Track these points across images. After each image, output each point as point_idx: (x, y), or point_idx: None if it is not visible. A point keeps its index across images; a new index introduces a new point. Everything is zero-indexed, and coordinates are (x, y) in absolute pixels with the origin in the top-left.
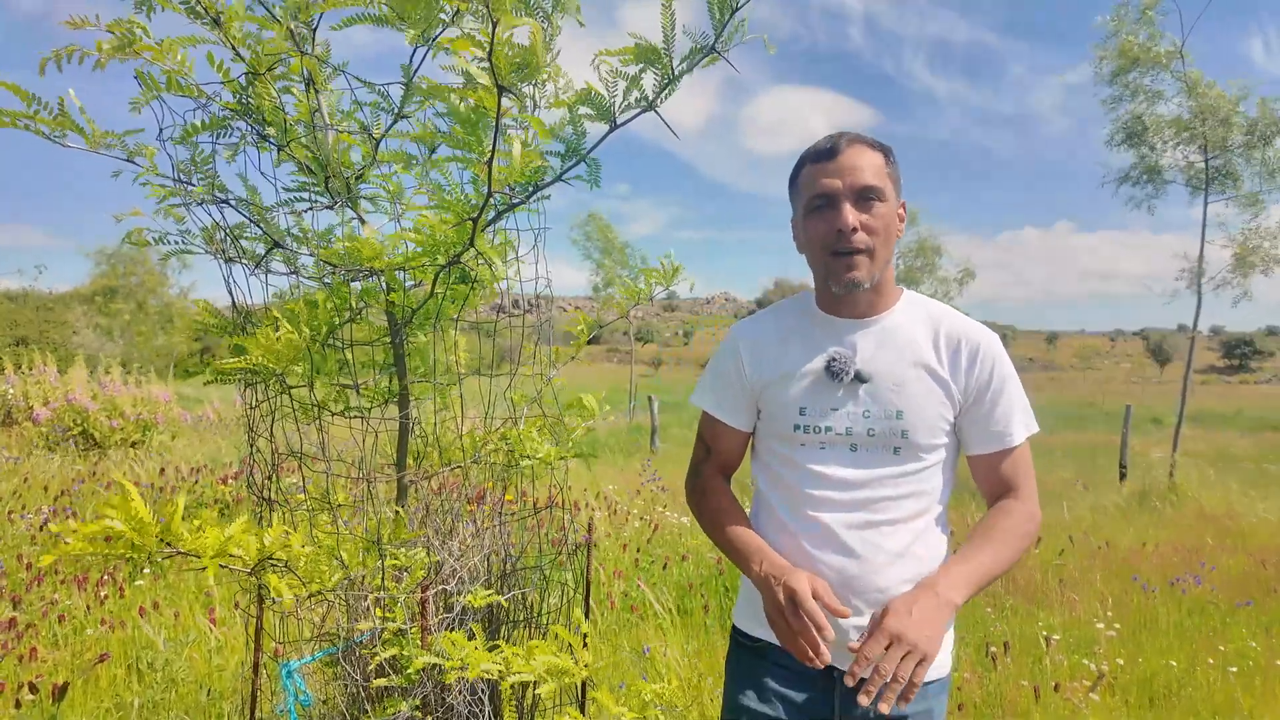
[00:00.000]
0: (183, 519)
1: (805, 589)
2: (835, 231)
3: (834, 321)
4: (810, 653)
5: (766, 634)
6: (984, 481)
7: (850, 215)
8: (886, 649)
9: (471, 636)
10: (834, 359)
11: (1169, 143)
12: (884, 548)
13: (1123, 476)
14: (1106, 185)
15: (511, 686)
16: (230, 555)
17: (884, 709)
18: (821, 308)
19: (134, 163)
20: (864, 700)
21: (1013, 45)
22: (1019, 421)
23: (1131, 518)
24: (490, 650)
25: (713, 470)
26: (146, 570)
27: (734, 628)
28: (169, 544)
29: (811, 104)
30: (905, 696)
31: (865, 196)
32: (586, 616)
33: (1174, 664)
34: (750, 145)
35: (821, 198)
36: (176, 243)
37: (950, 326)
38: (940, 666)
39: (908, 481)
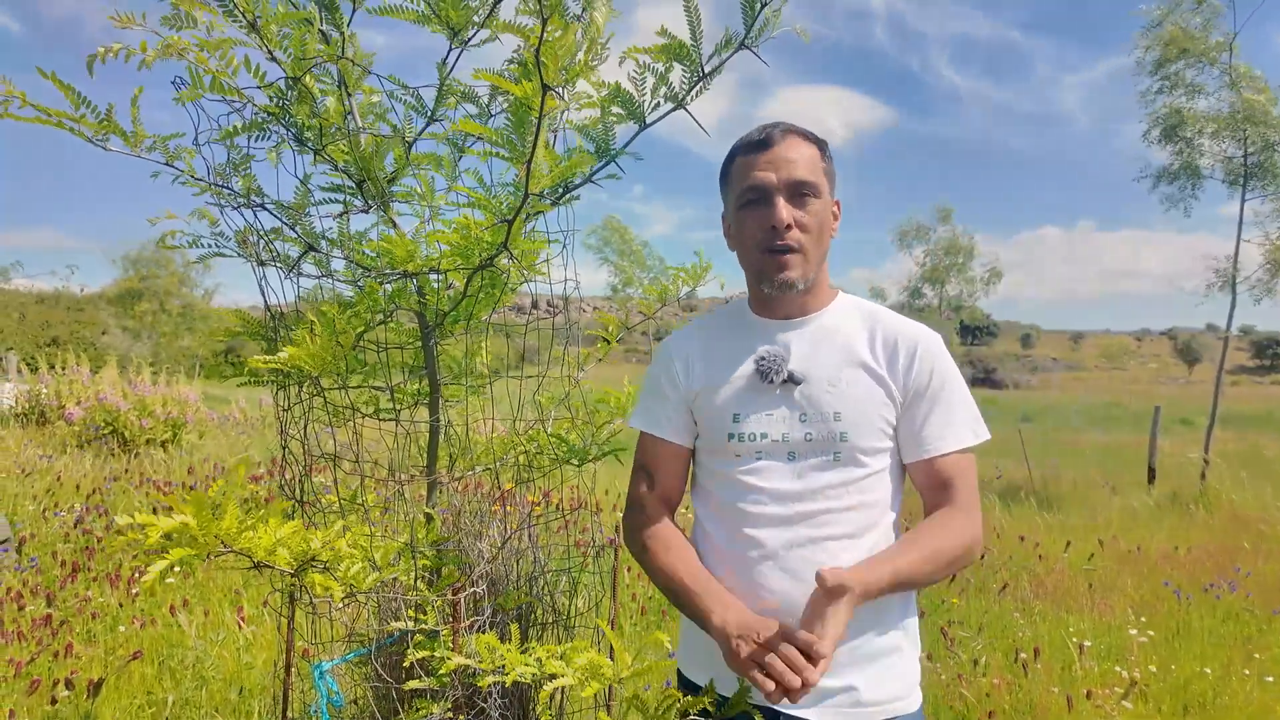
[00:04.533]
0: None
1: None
2: (769, 228)
3: (766, 324)
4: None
5: (710, 677)
6: (923, 492)
7: (784, 211)
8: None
9: (506, 637)
10: (762, 358)
11: (1207, 136)
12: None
13: (1151, 479)
14: (1143, 181)
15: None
16: (276, 555)
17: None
18: (754, 310)
19: (173, 166)
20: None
21: (1037, 42)
22: (960, 426)
23: (1162, 521)
24: (522, 652)
25: (655, 504)
26: (177, 568)
27: (679, 673)
28: (224, 543)
29: (829, 102)
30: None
31: (799, 192)
32: (613, 619)
33: (1208, 672)
34: None
35: (754, 191)
36: (210, 246)
37: (888, 325)
38: (909, 702)
39: (850, 492)
